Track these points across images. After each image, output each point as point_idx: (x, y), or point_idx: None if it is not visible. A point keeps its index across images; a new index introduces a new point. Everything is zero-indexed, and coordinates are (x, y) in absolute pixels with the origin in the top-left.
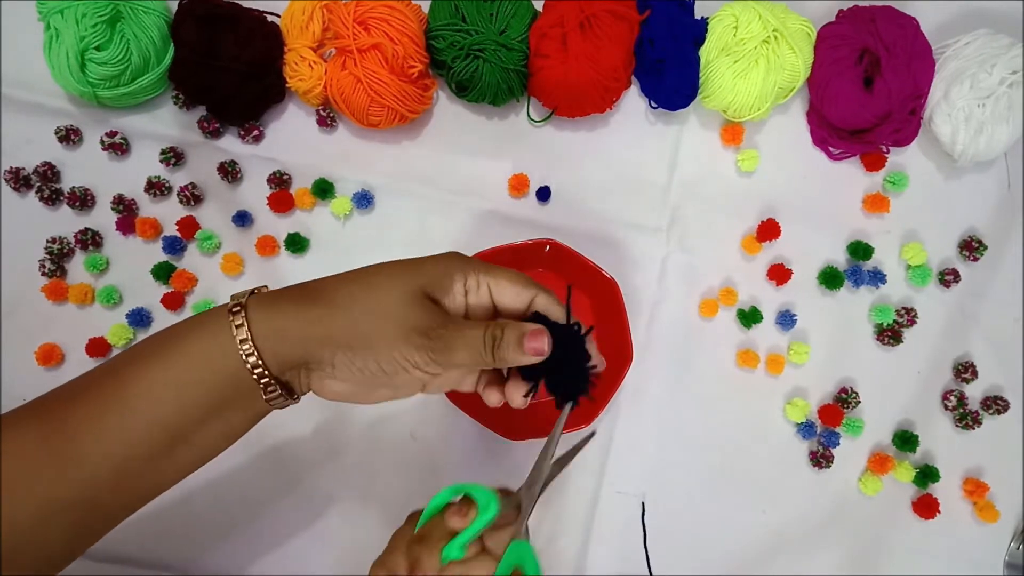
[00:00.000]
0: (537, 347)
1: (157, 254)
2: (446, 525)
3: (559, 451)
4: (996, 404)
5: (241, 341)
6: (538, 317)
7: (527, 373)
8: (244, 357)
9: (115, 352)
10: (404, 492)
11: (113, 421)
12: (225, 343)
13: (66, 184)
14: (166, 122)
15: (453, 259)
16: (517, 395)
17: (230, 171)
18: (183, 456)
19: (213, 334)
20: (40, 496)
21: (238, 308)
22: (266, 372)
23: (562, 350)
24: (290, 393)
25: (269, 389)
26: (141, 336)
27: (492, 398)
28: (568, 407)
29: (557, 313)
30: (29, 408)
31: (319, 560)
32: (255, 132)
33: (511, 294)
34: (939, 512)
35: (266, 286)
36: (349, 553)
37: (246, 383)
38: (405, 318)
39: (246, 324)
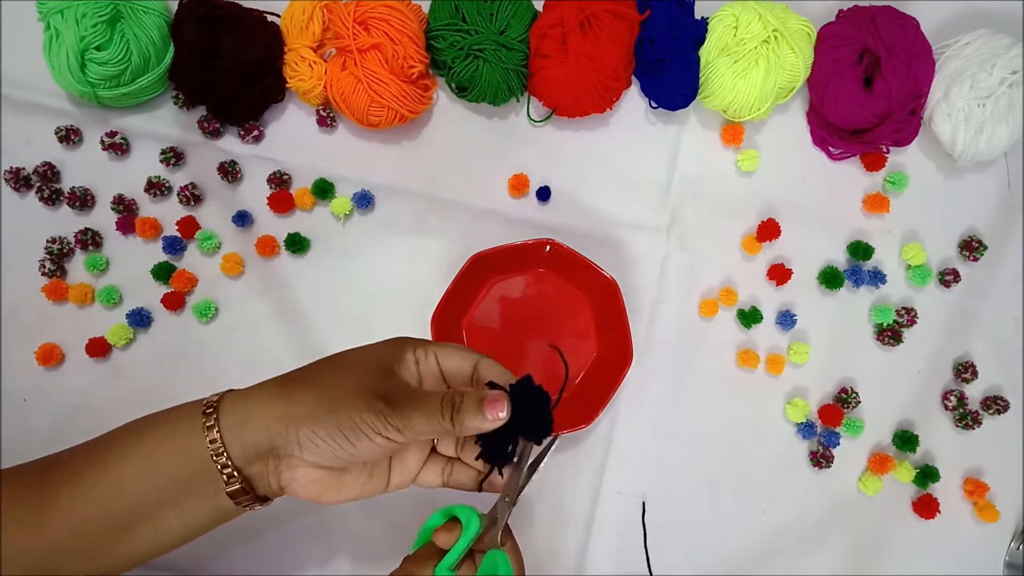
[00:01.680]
0: (496, 412)
1: (157, 254)
2: (435, 543)
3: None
4: (996, 404)
5: (208, 429)
6: (493, 386)
7: (487, 439)
8: (208, 446)
9: (115, 352)
10: (402, 496)
11: (78, 497)
12: (195, 433)
13: (66, 184)
14: (166, 122)
15: (403, 338)
16: (469, 458)
17: (230, 171)
18: (141, 538)
19: (186, 425)
20: (10, 544)
21: (212, 402)
22: (228, 462)
23: (520, 408)
24: (256, 493)
25: (230, 481)
26: (141, 336)
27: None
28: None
29: (499, 373)
30: (10, 473)
31: (318, 560)
32: (255, 132)
33: (456, 359)
34: (939, 512)
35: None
36: (349, 553)
37: (210, 474)
38: (367, 385)
39: (216, 416)
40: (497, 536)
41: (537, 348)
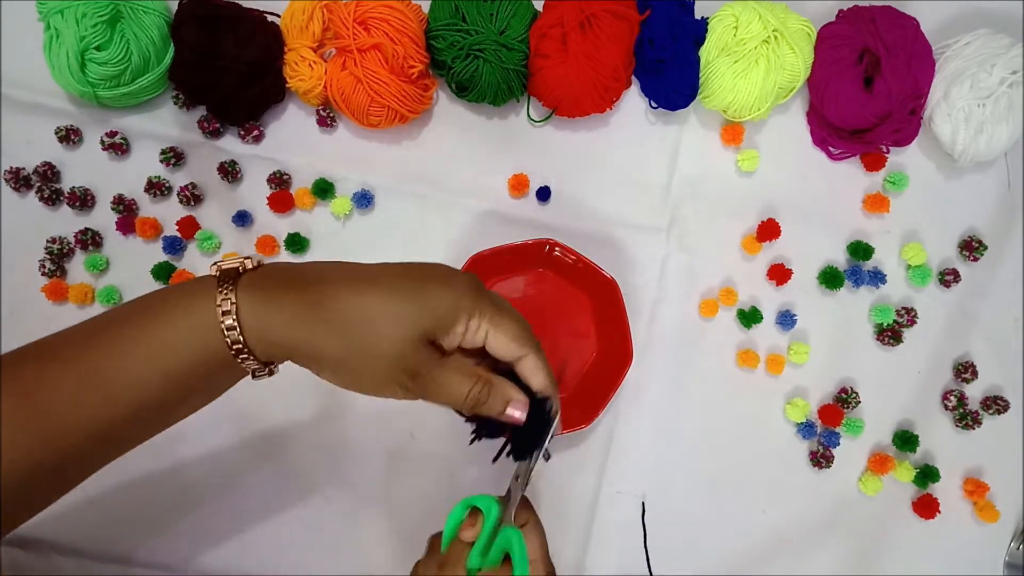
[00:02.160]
0: (516, 417)
1: (157, 254)
2: (461, 539)
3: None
4: (996, 404)
5: (228, 332)
6: (513, 375)
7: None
8: (230, 344)
9: None
10: (404, 491)
11: (91, 401)
12: (211, 324)
13: (66, 184)
14: (166, 122)
15: (466, 296)
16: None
17: (230, 171)
18: (159, 424)
19: (200, 311)
20: (18, 462)
21: (229, 294)
22: (251, 358)
23: (528, 421)
24: (269, 367)
25: (254, 369)
26: None
27: None
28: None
29: (537, 382)
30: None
31: (318, 560)
32: (255, 132)
33: (504, 347)
34: (939, 512)
35: (255, 261)
36: (349, 553)
37: (228, 362)
38: (397, 360)
39: (234, 311)
40: (511, 515)
41: None
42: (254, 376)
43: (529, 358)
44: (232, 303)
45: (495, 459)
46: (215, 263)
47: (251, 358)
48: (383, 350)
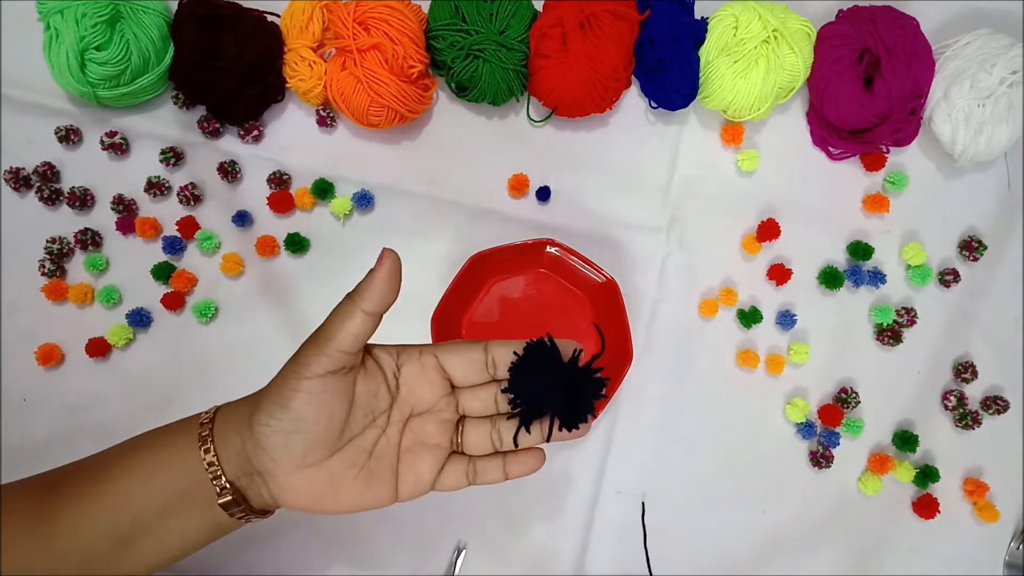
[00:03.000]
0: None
1: (157, 254)
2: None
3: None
4: (996, 404)
5: (203, 439)
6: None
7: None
8: (203, 457)
9: (115, 352)
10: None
11: (90, 506)
12: (191, 448)
13: (66, 184)
14: (166, 122)
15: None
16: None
17: (230, 171)
18: (144, 551)
19: (184, 440)
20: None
21: (208, 417)
22: (221, 474)
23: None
24: (251, 505)
25: (222, 493)
26: (141, 336)
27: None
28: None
29: (509, 354)
30: (15, 488)
31: (318, 559)
32: (255, 132)
33: (459, 360)
34: (939, 512)
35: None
36: (349, 553)
37: (206, 488)
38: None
39: (211, 428)
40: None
41: None
42: (227, 509)
43: (495, 349)
44: (209, 421)
45: (548, 438)
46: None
47: (222, 476)
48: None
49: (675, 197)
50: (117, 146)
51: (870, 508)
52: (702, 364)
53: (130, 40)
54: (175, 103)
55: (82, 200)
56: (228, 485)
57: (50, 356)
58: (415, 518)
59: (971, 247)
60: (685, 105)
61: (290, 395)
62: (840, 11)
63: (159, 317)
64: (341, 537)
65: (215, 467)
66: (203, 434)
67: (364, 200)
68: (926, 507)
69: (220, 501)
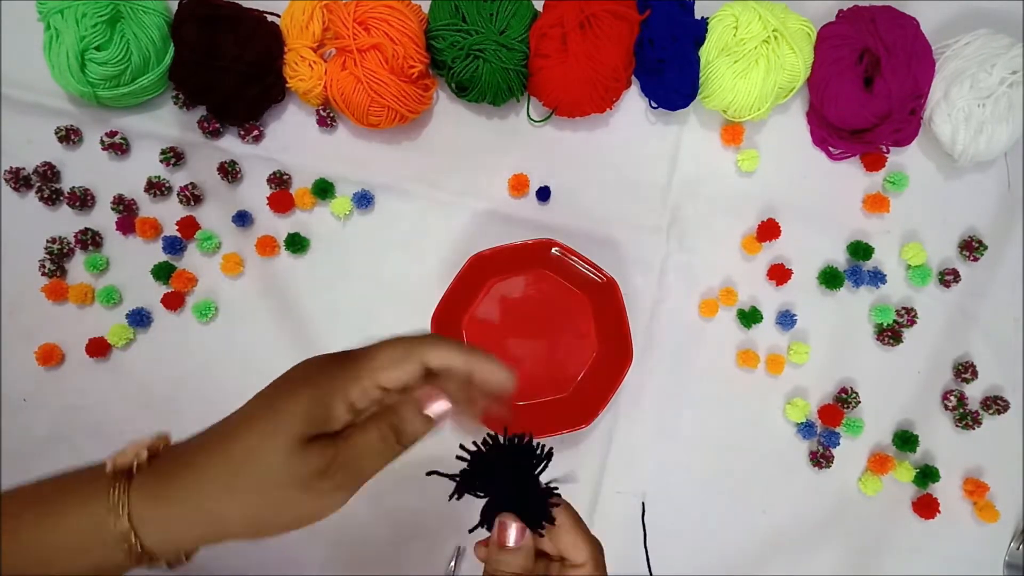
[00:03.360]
0: (437, 407)
1: (157, 254)
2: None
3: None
4: (996, 404)
5: (125, 535)
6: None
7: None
8: (125, 546)
9: (115, 352)
10: (400, 495)
11: None
12: (107, 538)
13: (66, 184)
14: (166, 122)
15: (314, 381)
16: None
17: (230, 171)
18: None
19: (96, 522)
20: None
21: (124, 498)
22: (158, 559)
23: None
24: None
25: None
26: (141, 336)
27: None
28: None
29: (498, 382)
30: None
31: (318, 560)
32: (255, 132)
33: (395, 373)
34: (939, 512)
35: (150, 446)
36: (349, 553)
37: (122, 558)
38: (301, 475)
39: (129, 522)
40: None
41: (537, 348)
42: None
43: (433, 352)
44: (124, 517)
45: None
46: (111, 458)
47: (157, 559)
48: (281, 475)
49: (675, 197)
50: (117, 146)
51: (870, 508)
52: (702, 364)
53: (130, 40)
54: (175, 103)
55: (82, 200)
56: (160, 558)
57: (50, 356)
58: (415, 519)
59: (971, 247)
60: (685, 105)
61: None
62: (840, 11)
63: (159, 317)
64: (341, 538)
65: (138, 552)
66: (118, 515)
67: (364, 200)
68: (926, 507)
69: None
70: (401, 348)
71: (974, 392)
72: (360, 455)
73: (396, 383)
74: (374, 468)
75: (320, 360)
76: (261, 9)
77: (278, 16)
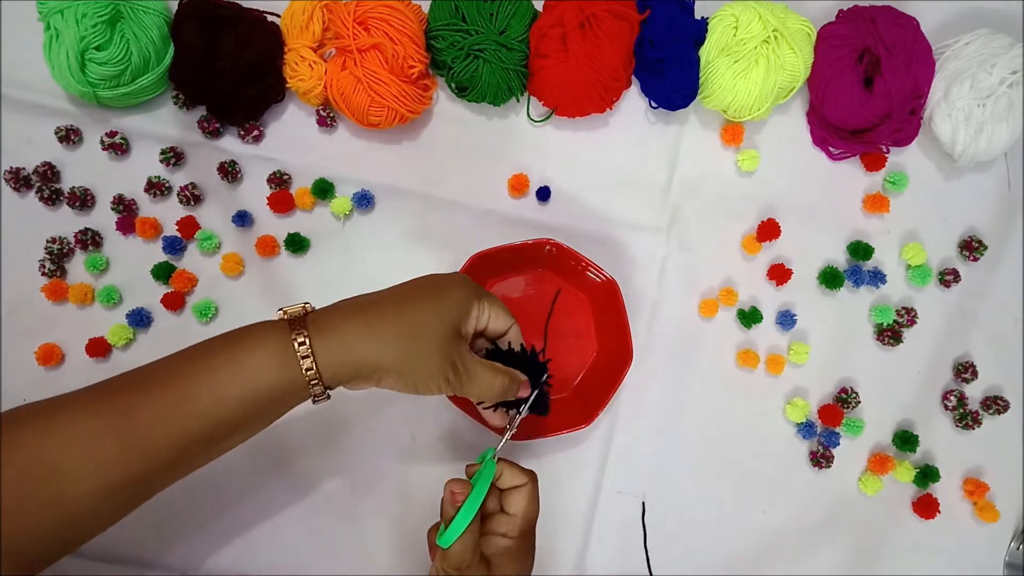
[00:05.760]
0: (524, 394)
1: (157, 254)
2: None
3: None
4: (996, 404)
5: (303, 359)
6: (499, 352)
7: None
8: (305, 375)
9: (115, 352)
10: (404, 493)
11: (181, 417)
12: (289, 361)
13: (66, 184)
14: (166, 122)
15: (469, 288)
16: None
17: (230, 171)
18: (235, 440)
19: (277, 351)
20: (104, 477)
21: (301, 329)
22: (320, 383)
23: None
24: (328, 391)
25: (319, 396)
26: (141, 336)
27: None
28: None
29: (519, 342)
30: (92, 394)
31: (318, 560)
32: (255, 132)
33: (501, 321)
34: (939, 512)
35: (310, 304)
36: (349, 553)
37: (300, 389)
38: (442, 356)
39: (308, 345)
40: (493, 459)
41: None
42: (315, 401)
43: (514, 327)
44: (306, 339)
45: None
46: (281, 308)
47: (320, 384)
48: (431, 346)
49: (675, 197)
50: (117, 146)
51: (870, 508)
52: (702, 364)
53: (130, 40)
54: (175, 103)
55: (82, 200)
56: (324, 386)
57: (50, 356)
58: (416, 518)
59: (971, 247)
60: (685, 105)
61: (427, 392)
62: (840, 11)
63: (159, 317)
64: (343, 537)
65: (315, 381)
66: (302, 354)
67: (364, 200)
68: (926, 507)
69: (316, 399)
70: (506, 309)
71: (974, 392)
72: (475, 380)
73: (498, 327)
74: (474, 394)
75: (468, 278)
76: (261, 9)
77: (278, 16)
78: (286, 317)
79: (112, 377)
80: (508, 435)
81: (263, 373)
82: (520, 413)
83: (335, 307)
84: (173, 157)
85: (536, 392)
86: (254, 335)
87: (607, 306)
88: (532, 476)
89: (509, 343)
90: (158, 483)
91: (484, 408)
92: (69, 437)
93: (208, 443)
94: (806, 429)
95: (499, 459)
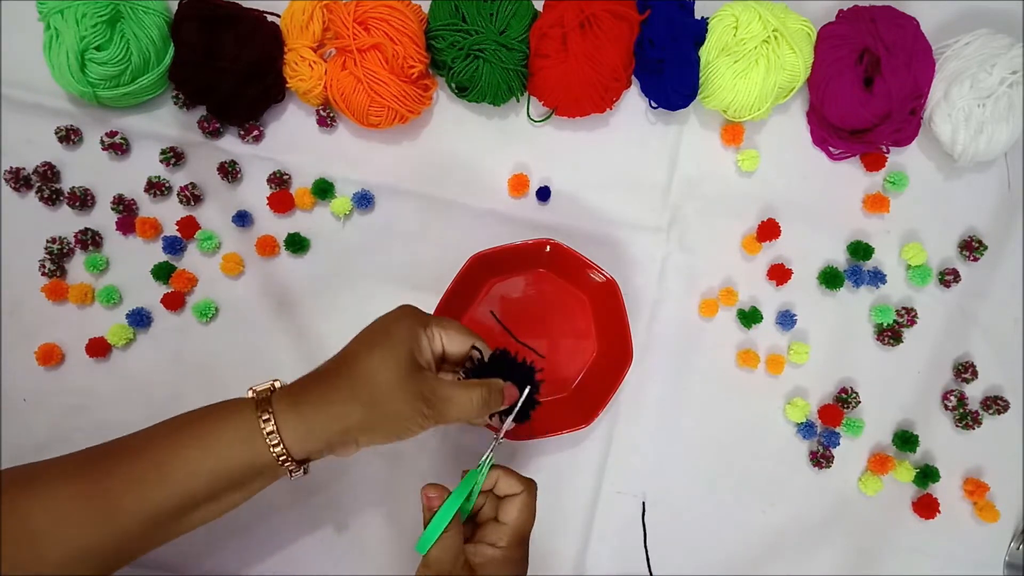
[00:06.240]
0: (512, 397)
1: (157, 254)
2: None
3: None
4: (996, 404)
5: (269, 436)
6: (478, 367)
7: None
8: (272, 451)
9: (115, 352)
10: (404, 493)
11: (152, 487)
12: (256, 443)
13: (66, 184)
14: (166, 122)
15: (411, 318)
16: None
17: (230, 171)
18: (211, 511)
19: (246, 432)
20: (75, 544)
21: (267, 408)
22: (291, 460)
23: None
24: (304, 465)
25: (292, 471)
26: (141, 336)
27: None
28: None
29: (483, 348)
30: (72, 460)
31: (318, 560)
32: (255, 132)
33: (458, 340)
34: (939, 512)
35: (279, 381)
36: (349, 553)
37: (270, 466)
38: (407, 395)
39: (275, 425)
40: (482, 465)
41: (537, 348)
42: (291, 476)
43: (477, 342)
44: (271, 419)
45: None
46: (251, 387)
47: (291, 462)
48: (391, 391)
49: (675, 197)
50: (117, 146)
51: (870, 508)
52: (702, 364)
53: (130, 40)
54: (175, 103)
55: (82, 200)
56: (293, 460)
57: (50, 356)
58: (415, 520)
59: (971, 247)
60: (685, 105)
61: (407, 434)
62: (840, 11)
63: (159, 317)
64: (341, 537)
65: (284, 457)
66: (267, 430)
67: (364, 200)
68: (926, 507)
69: (291, 475)
70: (461, 331)
71: (974, 392)
72: (452, 402)
73: (456, 346)
74: (455, 417)
75: (414, 308)
76: (261, 9)
77: (278, 16)
78: (254, 396)
79: (94, 446)
80: (495, 444)
81: (232, 453)
82: (504, 420)
83: (298, 382)
84: (173, 157)
85: (528, 390)
86: (224, 417)
87: (607, 306)
88: (529, 485)
89: (481, 354)
90: (133, 547)
91: (483, 424)
92: (47, 500)
93: (180, 514)
94: (806, 429)
95: (496, 466)
